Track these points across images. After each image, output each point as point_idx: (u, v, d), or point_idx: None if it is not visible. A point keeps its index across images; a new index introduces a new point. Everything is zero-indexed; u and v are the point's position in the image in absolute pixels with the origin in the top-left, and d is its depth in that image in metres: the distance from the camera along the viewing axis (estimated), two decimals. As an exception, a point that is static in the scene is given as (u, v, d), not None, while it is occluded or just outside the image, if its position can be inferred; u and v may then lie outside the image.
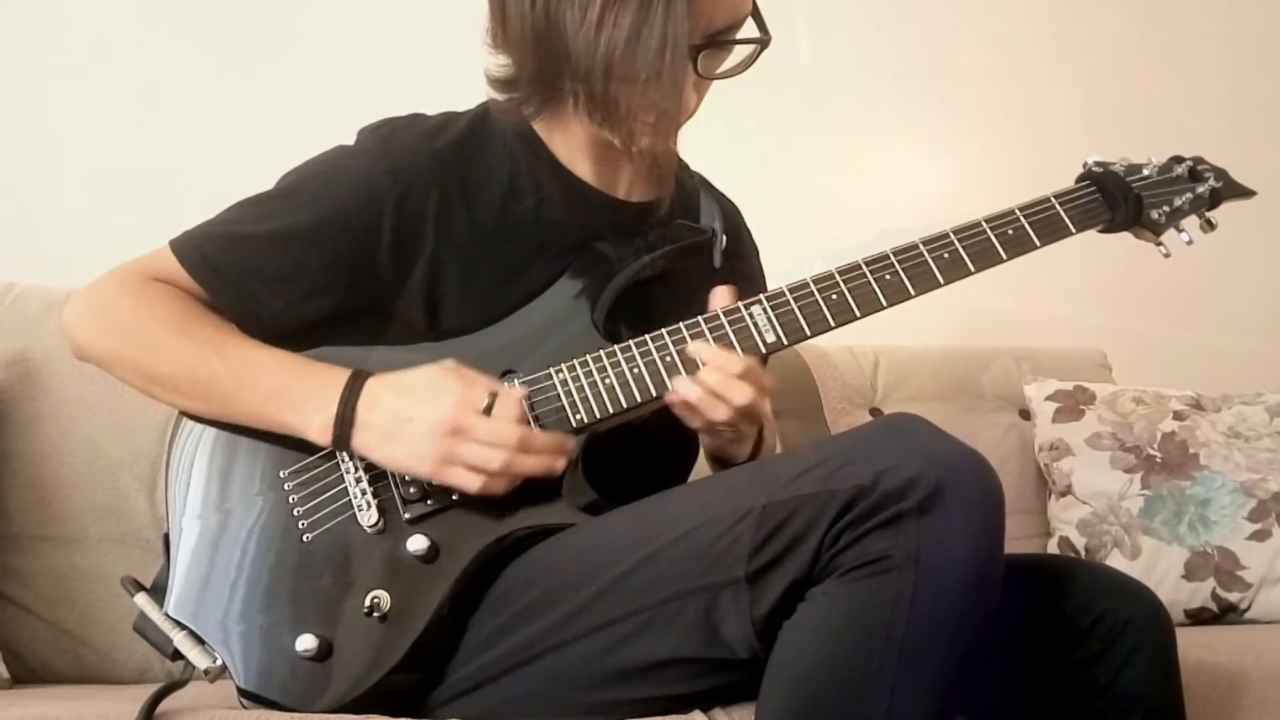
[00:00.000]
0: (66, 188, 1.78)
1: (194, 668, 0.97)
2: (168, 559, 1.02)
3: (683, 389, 1.01)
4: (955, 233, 1.11)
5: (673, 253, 1.12)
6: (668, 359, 1.04)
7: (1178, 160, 1.25)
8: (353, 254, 1.05)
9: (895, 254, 1.09)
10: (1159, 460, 1.76)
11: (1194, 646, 1.23)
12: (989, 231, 1.11)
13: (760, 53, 1.06)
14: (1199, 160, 1.26)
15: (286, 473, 1.02)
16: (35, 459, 1.38)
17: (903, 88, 2.23)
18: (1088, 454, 1.79)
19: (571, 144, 1.12)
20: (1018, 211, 1.13)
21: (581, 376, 1.04)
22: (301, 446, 1.02)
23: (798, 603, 0.87)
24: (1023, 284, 2.06)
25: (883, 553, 0.84)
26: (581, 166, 1.13)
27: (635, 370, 1.04)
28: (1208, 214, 1.25)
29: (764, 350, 1.05)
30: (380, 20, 1.93)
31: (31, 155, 1.78)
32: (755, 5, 1.05)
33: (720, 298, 1.07)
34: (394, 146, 1.07)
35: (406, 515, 0.99)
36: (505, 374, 1.05)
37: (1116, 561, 1.71)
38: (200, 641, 0.97)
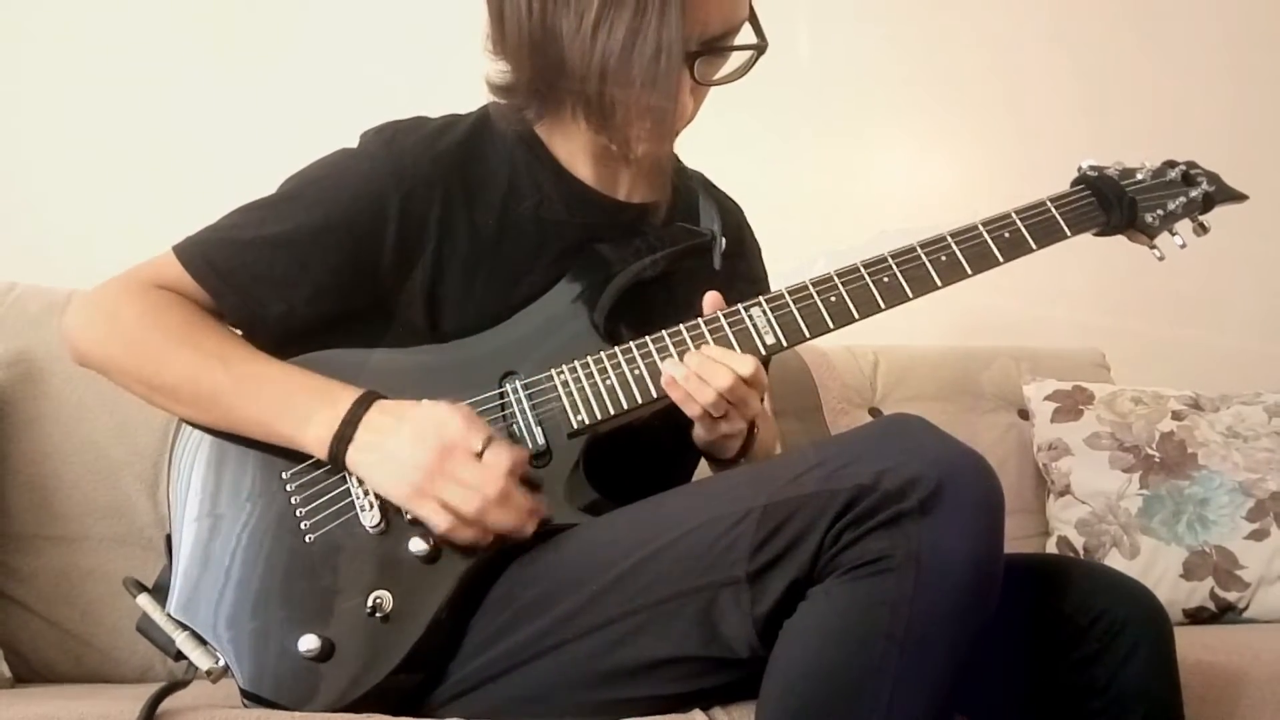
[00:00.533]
0: (66, 188, 1.78)
1: (196, 668, 0.97)
2: (170, 559, 1.03)
3: (668, 368, 1.02)
4: (952, 236, 1.11)
5: (673, 255, 1.12)
6: (668, 360, 1.04)
7: (1171, 164, 1.25)
8: (356, 256, 1.06)
9: (893, 256, 1.09)
10: (1157, 460, 1.77)
11: (1192, 646, 1.23)
12: (985, 234, 1.12)
13: (757, 59, 1.06)
14: (1192, 164, 1.26)
15: (288, 474, 1.02)
16: (36, 459, 1.39)
17: (903, 88, 2.23)
18: (1086, 454, 1.79)
19: (572, 146, 1.12)
20: (1014, 215, 1.14)
21: (582, 378, 1.04)
22: (303, 448, 1.02)
23: (798, 602, 0.87)
24: (1022, 284, 2.06)
25: (883, 553, 0.84)
26: (582, 168, 1.13)
27: (635, 371, 1.04)
28: (1200, 218, 1.25)
29: (763, 352, 1.06)
30: (382, 22, 1.93)
31: (31, 155, 1.78)
32: (752, 11, 1.05)
33: (709, 305, 1.07)
34: (397, 149, 1.07)
35: (408, 516, 1.00)
36: (506, 375, 1.05)
37: (1115, 561, 1.71)
38: (202, 642, 0.97)
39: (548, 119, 1.11)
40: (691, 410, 1.03)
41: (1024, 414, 1.93)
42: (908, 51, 2.24)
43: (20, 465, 1.38)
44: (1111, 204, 1.19)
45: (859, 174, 2.22)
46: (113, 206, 1.78)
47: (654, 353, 1.05)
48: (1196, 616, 1.71)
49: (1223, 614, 1.71)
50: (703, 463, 1.21)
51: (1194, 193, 1.24)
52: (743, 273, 1.24)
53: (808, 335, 1.07)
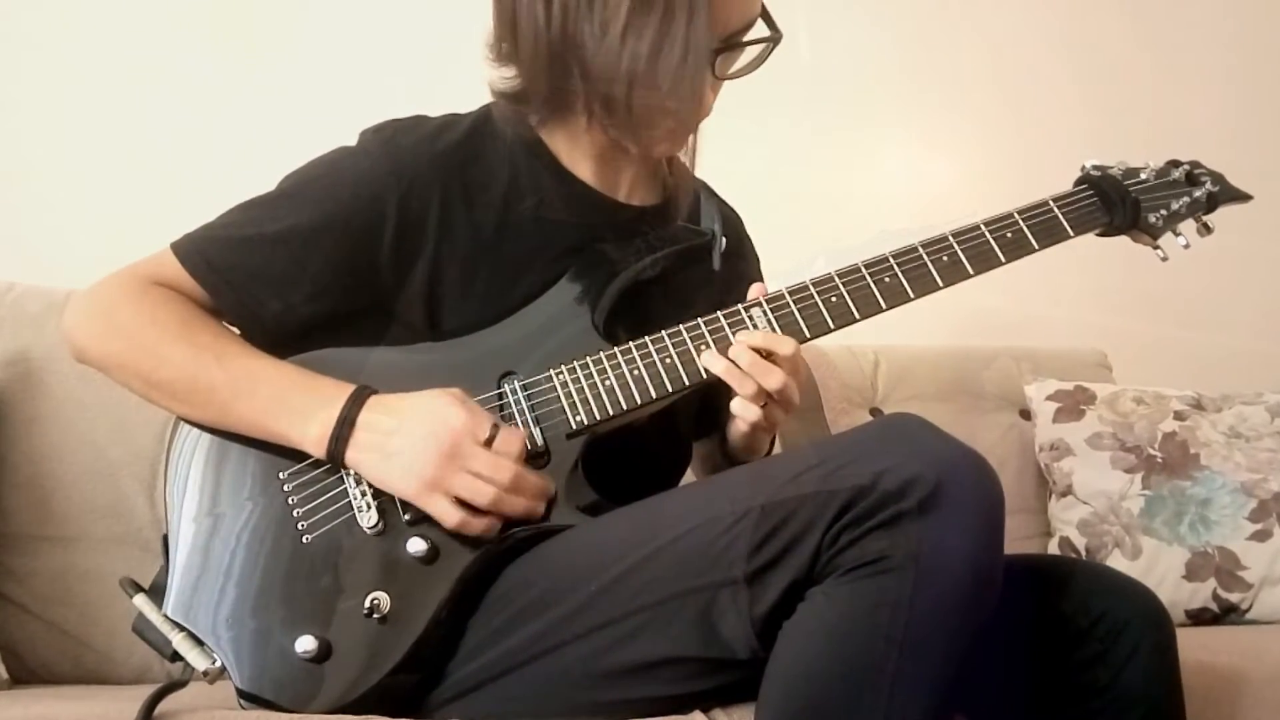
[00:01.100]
0: (66, 188, 1.78)
1: (193, 669, 0.97)
2: (167, 560, 1.02)
3: (740, 339, 1.03)
4: (954, 235, 1.11)
5: (673, 254, 1.12)
6: (667, 361, 1.04)
7: (1175, 164, 1.25)
8: (354, 255, 1.05)
9: (894, 257, 1.09)
10: (1159, 460, 1.76)
11: (1194, 647, 1.23)
12: (987, 234, 1.11)
13: (771, 50, 1.07)
14: (1196, 164, 1.26)
15: (285, 474, 1.02)
16: (35, 459, 1.38)
17: (904, 86, 2.23)
18: (1088, 454, 1.79)
19: (574, 147, 1.12)
20: (1016, 215, 1.13)
21: (581, 378, 1.04)
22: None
23: (797, 603, 0.87)
24: (1023, 284, 2.05)
25: (882, 553, 0.84)
26: (582, 168, 1.13)
27: (635, 372, 1.04)
28: (1204, 218, 1.25)
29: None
30: (381, 21, 1.93)
31: (31, 155, 1.77)
32: (764, 4, 1.06)
33: (754, 295, 1.07)
34: (396, 148, 1.07)
35: (406, 517, 0.99)
36: (505, 375, 1.05)
37: (1117, 562, 1.71)
38: (199, 643, 0.97)
39: (552, 121, 1.10)
40: (747, 389, 1.02)
41: (1025, 414, 1.92)
42: (909, 50, 2.24)
43: (18, 465, 1.38)
44: (1115, 204, 1.18)
45: (860, 173, 2.22)
46: (113, 206, 1.78)
47: (654, 353, 1.04)
48: (1199, 617, 1.71)
49: (1225, 615, 1.70)
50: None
51: (1198, 193, 1.23)
52: (743, 273, 1.23)
53: (808, 335, 1.06)
